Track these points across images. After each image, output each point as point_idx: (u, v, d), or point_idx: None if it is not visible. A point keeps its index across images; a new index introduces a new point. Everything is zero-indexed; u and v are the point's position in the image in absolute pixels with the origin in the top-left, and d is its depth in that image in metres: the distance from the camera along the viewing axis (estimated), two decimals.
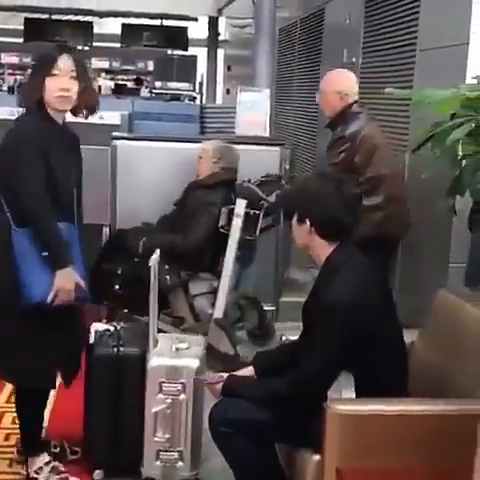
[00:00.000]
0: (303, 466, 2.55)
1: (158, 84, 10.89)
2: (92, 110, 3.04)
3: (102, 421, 3.13)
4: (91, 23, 13.65)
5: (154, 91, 10.85)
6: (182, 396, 2.97)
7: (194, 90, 10.93)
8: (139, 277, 4.13)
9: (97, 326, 3.23)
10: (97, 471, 3.14)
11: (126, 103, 7.61)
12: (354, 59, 5.95)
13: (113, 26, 14.17)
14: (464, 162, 2.37)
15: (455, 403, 2.44)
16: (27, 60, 12.91)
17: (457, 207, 2.77)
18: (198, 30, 14.27)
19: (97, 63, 14.48)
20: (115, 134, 5.22)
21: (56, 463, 3.14)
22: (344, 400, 2.53)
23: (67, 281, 2.85)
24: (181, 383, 2.97)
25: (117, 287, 4.20)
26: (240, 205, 4.24)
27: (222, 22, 14.17)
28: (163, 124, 6.51)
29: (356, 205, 2.69)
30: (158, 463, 3.02)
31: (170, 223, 4.53)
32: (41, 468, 3.10)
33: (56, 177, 2.88)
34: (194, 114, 6.72)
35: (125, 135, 5.47)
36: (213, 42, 14.59)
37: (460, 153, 2.35)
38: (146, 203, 4.76)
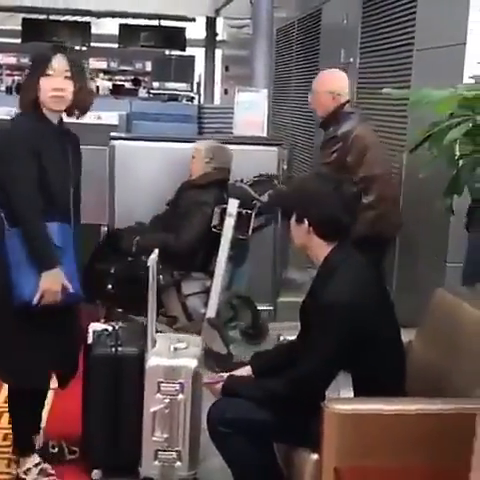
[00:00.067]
0: (301, 466, 2.55)
1: (156, 84, 10.90)
2: (84, 111, 3.02)
3: (100, 421, 3.13)
4: (89, 23, 13.65)
5: (152, 91, 10.86)
6: (180, 396, 2.97)
7: (192, 90, 10.95)
8: (132, 276, 4.15)
9: (95, 326, 3.23)
10: (95, 471, 3.14)
11: (124, 103, 7.60)
12: (351, 59, 5.96)
13: (111, 26, 14.17)
14: (461, 162, 2.37)
15: (453, 402, 2.44)
16: (25, 61, 12.94)
17: (454, 207, 2.78)
18: (196, 30, 14.28)
19: (95, 63, 14.51)
20: (113, 134, 5.23)
21: (45, 465, 3.13)
22: (342, 399, 2.54)
23: (53, 282, 2.83)
24: (179, 383, 2.97)
25: (110, 287, 4.20)
26: (232, 205, 4.25)
27: (220, 22, 14.18)
28: (161, 124, 6.50)
29: (355, 205, 2.69)
30: (156, 463, 3.02)
31: (163, 223, 4.55)
32: (30, 469, 3.10)
33: (49, 177, 2.87)
34: (192, 114, 6.71)
35: (123, 135, 5.47)
36: (211, 42, 14.59)
37: (457, 153, 2.35)
38: (144, 203, 4.77)
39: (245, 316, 4.78)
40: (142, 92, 12.30)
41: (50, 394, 3.36)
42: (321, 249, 2.66)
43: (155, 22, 13.71)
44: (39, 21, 13.31)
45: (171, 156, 4.88)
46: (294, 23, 8.58)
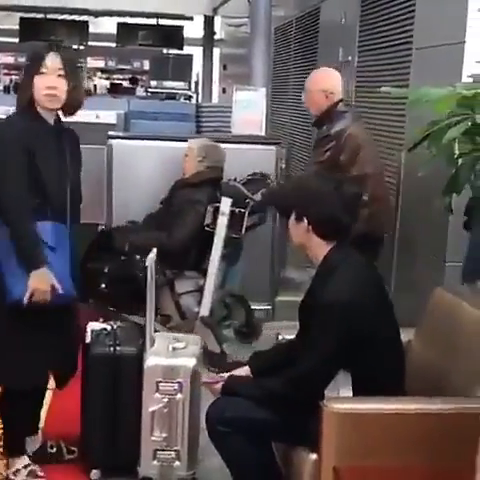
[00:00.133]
0: (300, 465, 2.55)
1: (154, 83, 10.89)
2: (74, 110, 3.00)
3: (99, 421, 3.12)
4: (86, 22, 13.62)
5: (150, 90, 10.85)
6: (179, 395, 2.97)
7: (190, 89, 10.93)
8: (125, 275, 4.14)
9: (93, 325, 3.22)
10: (94, 471, 3.14)
11: (122, 102, 7.60)
12: (350, 58, 5.95)
13: (109, 25, 14.14)
14: (460, 161, 2.37)
15: (452, 402, 2.44)
16: (22, 60, 12.86)
17: (453, 205, 2.77)
18: (194, 29, 14.26)
19: (93, 62, 14.49)
20: (111, 133, 5.23)
21: (34, 467, 3.12)
22: (341, 399, 2.54)
23: (41, 282, 2.82)
24: (178, 382, 2.96)
25: (103, 286, 4.19)
26: (225, 203, 4.25)
27: (218, 21, 14.15)
28: (159, 123, 6.50)
29: (355, 205, 2.68)
30: (155, 462, 3.02)
31: (156, 221, 4.55)
32: (19, 470, 3.09)
33: (44, 177, 2.86)
34: (190, 113, 6.71)
35: (121, 134, 5.47)
36: (209, 41, 14.57)
37: (456, 152, 2.35)
38: (142, 202, 4.76)
39: (239, 315, 4.79)
40: (140, 91, 12.30)
41: (49, 394, 3.36)
42: (320, 248, 2.65)
43: (153, 21, 13.69)
44: (37, 20, 13.28)
45: (169, 155, 4.87)
46: (292, 22, 8.57)
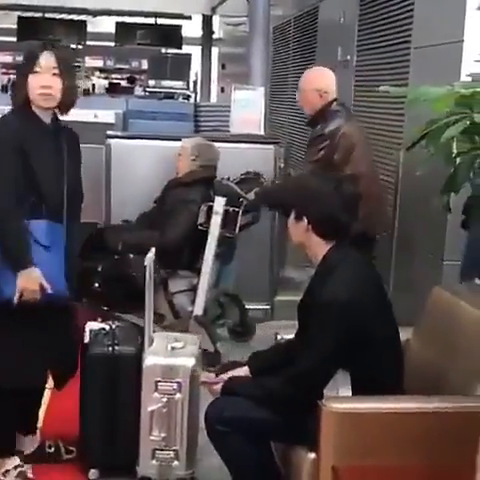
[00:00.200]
0: (299, 464, 2.55)
1: (152, 82, 10.86)
2: (68, 109, 2.98)
3: (97, 420, 3.12)
4: (85, 22, 13.60)
5: (148, 89, 10.83)
6: (178, 395, 2.97)
7: (188, 88, 10.91)
8: (119, 274, 4.14)
9: (92, 325, 3.22)
10: (92, 470, 3.13)
11: (120, 102, 7.60)
12: (348, 57, 5.95)
13: (107, 25, 14.13)
14: (459, 160, 2.36)
15: (450, 400, 2.44)
16: (20, 59, 12.85)
17: (451, 205, 2.77)
18: (192, 28, 14.25)
19: (91, 62, 14.45)
20: (109, 133, 5.23)
21: (24, 468, 3.11)
22: (339, 398, 2.54)
23: (30, 281, 2.82)
24: (177, 382, 2.96)
25: (97, 285, 4.19)
26: (219, 203, 4.25)
27: (216, 20, 14.15)
28: (157, 123, 6.51)
29: (354, 204, 2.68)
30: (154, 462, 3.01)
31: (149, 220, 4.55)
32: (8, 471, 3.08)
33: (38, 177, 2.85)
34: (188, 112, 6.71)
35: (119, 134, 5.47)
36: (207, 40, 14.57)
37: (455, 151, 2.35)
38: (140, 201, 4.76)
39: (233, 314, 4.80)
40: (138, 90, 12.28)
41: (47, 394, 3.35)
42: (319, 247, 2.65)
43: (151, 20, 13.68)
44: (35, 19, 13.26)
45: (167, 154, 4.87)
46: (291, 21, 8.57)
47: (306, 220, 2.64)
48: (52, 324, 2.94)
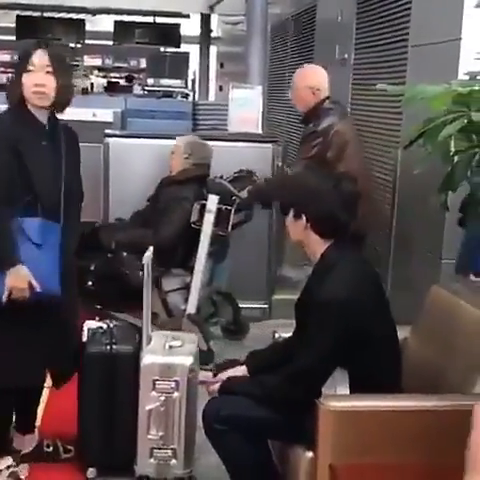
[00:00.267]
0: (296, 463, 2.54)
1: (150, 81, 10.86)
2: (63, 107, 2.97)
3: (95, 419, 3.12)
4: (83, 21, 13.58)
5: (146, 88, 10.82)
6: (175, 394, 2.96)
7: (186, 87, 10.91)
8: (112, 273, 4.14)
9: (90, 324, 3.22)
10: (90, 469, 3.13)
11: (119, 100, 7.60)
12: (346, 55, 5.95)
13: (105, 23, 14.12)
14: (456, 158, 2.37)
15: (448, 399, 2.44)
16: None
17: (449, 203, 2.78)
18: (190, 27, 14.24)
19: (89, 61, 14.44)
20: (108, 131, 5.23)
21: (17, 469, 3.11)
22: (337, 396, 2.53)
23: (18, 279, 2.81)
24: (174, 381, 2.96)
25: (90, 283, 4.18)
26: (212, 201, 4.25)
27: (214, 19, 14.14)
28: (156, 121, 6.51)
29: (354, 203, 2.67)
30: (152, 461, 3.01)
31: (143, 219, 4.55)
32: (0, 471, 3.07)
33: (32, 177, 2.84)
34: (186, 111, 6.72)
35: (117, 132, 5.47)
36: (205, 39, 14.55)
37: (452, 149, 2.35)
38: (138, 200, 4.76)
39: (226, 312, 4.80)
40: (137, 89, 12.26)
41: (45, 393, 3.35)
42: (318, 246, 2.65)
43: (150, 19, 13.67)
44: (33, 18, 13.24)
45: (165, 153, 4.86)
46: (289, 19, 8.57)
47: (305, 218, 2.63)
48: (49, 322, 2.93)
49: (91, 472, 3.13)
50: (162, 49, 13.32)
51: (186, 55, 12.14)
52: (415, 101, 2.45)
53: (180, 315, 4.29)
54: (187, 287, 4.34)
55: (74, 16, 13.61)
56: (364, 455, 2.34)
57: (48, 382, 3.17)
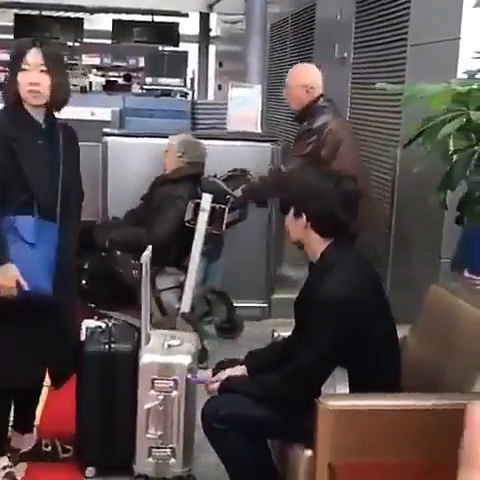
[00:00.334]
0: (295, 462, 2.55)
1: (149, 80, 10.87)
2: (59, 106, 2.95)
3: (94, 418, 3.12)
4: (82, 19, 13.59)
5: (145, 87, 10.83)
6: (174, 393, 2.96)
7: (185, 86, 10.92)
8: (106, 272, 4.14)
9: (88, 323, 3.22)
10: (89, 468, 3.13)
11: (117, 99, 7.60)
12: (345, 54, 5.94)
13: (104, 22, 14.12)
14: (455, 157, 2.37)
15: (448, 398, 2.44)
16: None
17: (448, 202, 2.77)
18: (189, 26, 14.24)
19: (88, 59, 14.46)
20: (106, 130, 5.22)
21: (14, 469, 3.11)
22: (336, 395, 2.53)
23: (6, 278, 2.79)
24: (173, 380, 2.96)
25: (84, 282, 4.18)
26: (206, 200, 4.26)
27: (213, 18, 14.14)
28: (154, 120, 6.50)
29: (354, 202, 2.67)
30: (150, 460, 3.01)
31: (137, 217, 4.55)
32: None
33: (27, 174, 2.82)
34: (185, 110, 6.70)
35: (116, 131, 5.47)
36: (204, 38, 14.56)
37: (451, 148, 2.35)
38: (137, 199, 4.75)
39: (220, 311, 4.80)
40: (135, 88, 12.28)
41: (44, 392, 3.35)
42: (318, 245, 2.65)
43: (148, 18, 13.67)
44: (31, 17, 13.25)
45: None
46: (288, 18, 8.56)
47: (305, 217, 2.63)
48: (48, 322, 2.92)
49: (90, 471, 3.13)
50: (161, 48, 13.34)
51: (185, 54, 12.15)
52: (414, 100, 2.44)
53: (174, 314, 4.30)
54: (181, 286, 4.34)
55: (72, 15, 13.61)
56: (363, 454, 2.34)
57: (47, 381, 3.17)
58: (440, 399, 2.44)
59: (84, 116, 5.69)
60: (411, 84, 3.33)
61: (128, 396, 3.01)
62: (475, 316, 2.58)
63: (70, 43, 13.00)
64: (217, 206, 4.28)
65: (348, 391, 2.57)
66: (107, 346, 3.10)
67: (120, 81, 13.95)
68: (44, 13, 13.34)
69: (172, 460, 3.01)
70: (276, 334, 3.09)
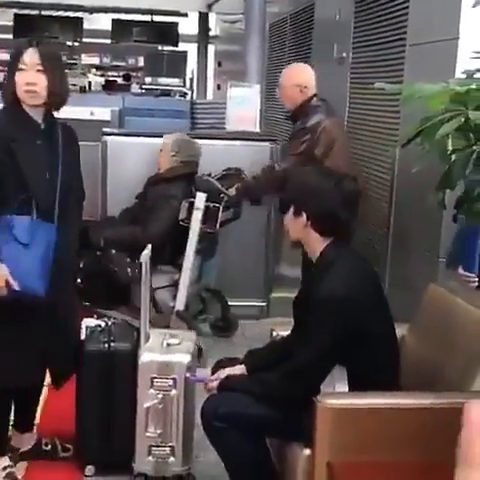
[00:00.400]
0: (294, 461, 2.55)
1: (148, 80, 10.85)
2: (58, 105, 2.94)
3: (94, 417, 3.13)
4: (81, 19, 13.58)
5: (144, 87, 10.82)
6: (173, 391, 2.97)
7: (184, 86, 10.91)
8: (101, 270, 4.14)
9: (88, 322, 3.22)
10: (89, 467, 3.14)
11: (117, 99, 7.60)
12: (344, 54, 5.95)
13: (103, 22, 14.12)
14: (454, 156, 2.37)
15: (446, 396, 2.45)
16: None
17: (446, 201, 2.78)
18: (188, 26, 14.25)
19: (87, 59, 14.45)
20: (105, 130, 5.23)
21: (14, 469, 3.11)
22: (335, 394, 2.54)
23: None
24: (172, 378, 2.96)
25: (79, 281, 4.18)
26: (200, 198, 4.27)
27: (212, 18, 14.15)
28: (154, 120, 6.51)
29: (354, 202, 2.67)
30: (150, 458, 3.02)
31: (132, 216, 4.56)
32: None
33: (25, 175, 2.82)
34: (185, 110, 6.72)
35: (115, 131, 5.48)
36: (203, 38, 14.57)
37: (450, 147, 2.36)
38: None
39: (214, 309, 4.81)
40: (135, 88, 12.26)
41: (44, 391, 3.35)
42: (318, 244, 2.65)
43: (147, 17, 13.68)
44: (31, 16, 13.24)
45: None
46: (287, 18, 8.56)
47: (305, 216, 2.63)
48: (47, 321, 2.92)
49: (89, 469, 3.14)
50: (160, 48, 13.32)
51: (184, 54, 12.13)
52: (413, 100, 2.45)
53: (169, 312, 4.31)
54: (175, 284, 4.36)
55: (72, 14, 13.61)
56: (362, 453, 2.35)
57: (47, 381, 3.17)
58: (438, 398, 2.44)
59: (83, 116, 5.69)
60: (410, 84, 3.33)
61: (127, 395, 3.02)
62: (473, 315, 2.59)
63: (69, 43, 12.99)
64: (211, 205, 4.30)
65: (347, 390, 2.57)
66: (107, 345, 3.11)
67: (119, 81, 13.93)
68: (43, 13, 13.34)
69: (171, 459, 3.01)
70: (275, 333, 3.10)
